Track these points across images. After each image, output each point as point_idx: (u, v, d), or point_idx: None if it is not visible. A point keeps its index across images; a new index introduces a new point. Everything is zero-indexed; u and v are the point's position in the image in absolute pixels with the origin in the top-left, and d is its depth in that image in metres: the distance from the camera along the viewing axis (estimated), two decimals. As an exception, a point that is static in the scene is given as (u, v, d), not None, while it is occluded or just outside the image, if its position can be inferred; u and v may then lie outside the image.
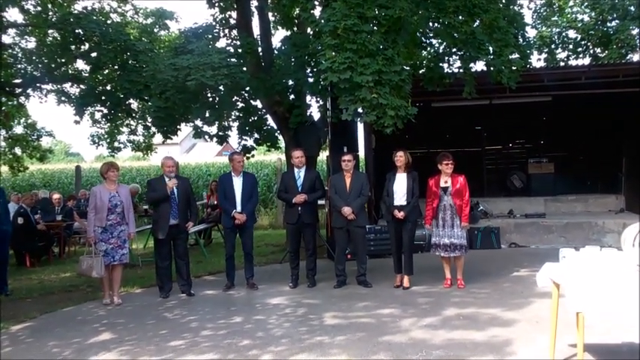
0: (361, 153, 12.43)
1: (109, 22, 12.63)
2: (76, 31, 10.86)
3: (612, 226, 10.48)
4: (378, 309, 6.49)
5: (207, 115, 10.51)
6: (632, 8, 15.72)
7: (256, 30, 11.13)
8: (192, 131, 11.47)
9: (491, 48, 8.61)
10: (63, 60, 12.23)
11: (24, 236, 10.82)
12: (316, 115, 11.13)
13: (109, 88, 12.01)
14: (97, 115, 12.55)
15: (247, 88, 10.28)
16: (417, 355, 4.85)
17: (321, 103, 11.00)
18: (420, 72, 10.48)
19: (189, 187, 8.04)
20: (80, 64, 12.79)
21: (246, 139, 11.28)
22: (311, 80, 10.02)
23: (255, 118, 11.18)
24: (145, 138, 14.28)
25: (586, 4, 17.81)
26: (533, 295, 6.69)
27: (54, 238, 12.17)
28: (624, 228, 4.78)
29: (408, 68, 8.32)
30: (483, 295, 6.94)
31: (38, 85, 12.66)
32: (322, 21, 7.46)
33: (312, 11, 8.31)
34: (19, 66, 12.65)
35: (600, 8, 16.81)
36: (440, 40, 10.03)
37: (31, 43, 13.04)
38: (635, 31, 15.68)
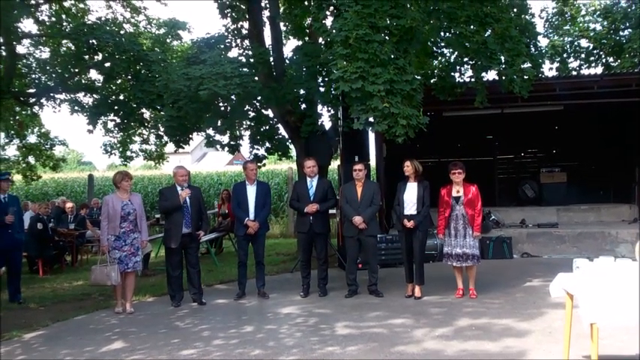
0: (372, 162, 12.42)
1: (122, 32, 12.76)
2: (90, 41, 10.97)
3: (626, 236, 10.37)
4: (390, 319, 6.46)
5: (219, 124, 10.55)
6: (645, 17, 15.66)
7: (268, 40, 11.18)
8: (204, 140, 11.53)
9: (502, 57, 8.59)
10: (76, 70, 12.37)
11: (39, 244, 10.90)
12: (327, 125, 11.14)
13: (122, 97, 12.10)
14: (110, 125, 12.64)
15: (259, 98, 10.32)
16: (430, 366, 4.82)
17: (332, 112, 11.00)
18: (432, 81, 10.47)
19: (200, 196, 8.08)
20: (93, 74, 12.96)
21: (257, 148, 11.31)
22: (322, 89, 10.06)
23: (267, 128, 11.21)
24: (157, 147, 14.36)
25: (598, 13, 17.76)
26: (547, 305, 6.65)
27: (67, 246, 12.24)
28: (638, 238, 4.74)
29: (419, 78, 8.32)
30: (496, 306, 6.90)
31: (52, 94, 12.79)
32: (334, 31, 7.47)
33: (323, 21, 8.32)
34: (33, 76, 12.81)
35: (612, 17, 16.76)
36: (451, 50, 10.05)
37: (45, 54, 13.21)
38: (647, 40, 15.61)
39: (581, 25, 18.28)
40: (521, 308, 6.69)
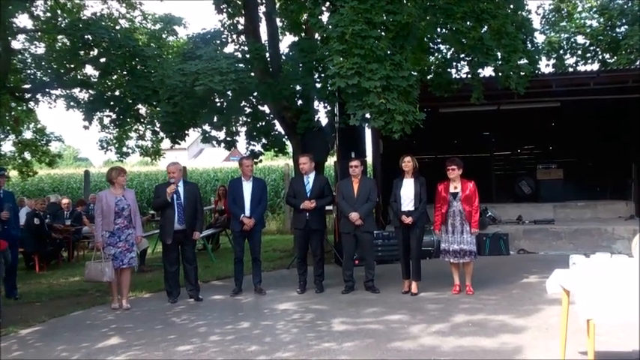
0: (369, 158, 12.41)
1: (117, 27, 12.74)
2: (85, 36, 10.95)
3: (622, 232, 10.40)
4: (387, 315, 6.46)
5: (215, 120, 10.54)
6: (642, 13, 15.65)
7: (264, 36, 11.17)
8: (200, 136, 11.51)
9: (499, 53, 8.58)
10: (72, 65, 12.34)
11: (36, 239, 10.87)
12: (324, 121, 11.15)
13: (117, 93, 12.09)
14: (106, 121, 12.65)
15: (255, 94, 10.31)
16: (426, 362, 4.82)
17: (328, 108, 11.01)
18: (428, 77, 10.47)
19: (197, 192, 8.03)
20: (89, 70, 12.93)
21: (253, 145, 11.30)
22: (319, 85, 10.04)
23: (263, 124, 11.20)
24: (153, 143, 14.35)
25: (595, 9, 17.76)
26: (543, 301, 6.65)
27: (63, 242, 12.21)
28: (634, 234, 4.75)
29: (415, 74, 8.29)
30: (492, 302, 6.90)
31: (47, 90, 12.75)
32: (330, 26, 7.46)
33: (319, 17, 8.31)
34: (29, 71, 12.78)
35: (609, 14, 16.76)
36: (448, 46, 10.02)
37: (40, 49, 13.18)
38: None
39: (577, 21, 18.28)
40: (518, 304, 6.69)
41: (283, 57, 11.09)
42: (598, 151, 13.22)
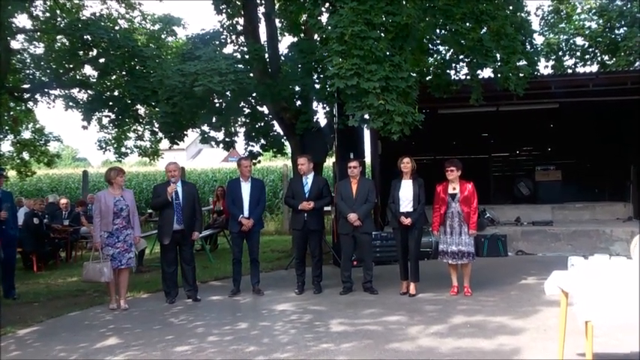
0: (368, 159, 12.41)
1: (117, 28, 12.72)
2: (84, 37, 10.94)
3: (620, 234, 10.41)
4: (385, 316, 6.46)
5: (214, 120, 10.53)
6: (641, 15, 15.69)
7: (263, 36, 11.16)
8: (199, 137, 11.50)
9: (498, 55, 8.59)
10: (71, 65, 12.33)
11: (35, 239, 10.86)
12: (323, 122, 11.14)
13: (116, 93, 12.07)
14: (105, 121, 12.62)
15: (254, 94, 10.31)
16: (424, 363, 4.82)
17: (327, 109, 11.00)
18: (427, 78, 10.46)
19: (195, 192, 8.02)
20: (88, 70, 12.91)
21: (252, 145, 11.30)
22: (318, 86, 10.04)
23: (262, 124, 11.20)
24: (152, 143, 14.32)
25: (594, 11, 17.79)
26: (541, 303, 6.65)
27: (61, 242, 12.19)
28: (633, 236, 4.75)
29: (414, 75, 8.30)
30: (490, 303, 6.90)
31: (46, 90, 12.73)
32: (329, 27, 7.46)
33: (319, 17, 8.31)
34: (28, 71, 12.76)
35: (608, 15, 16.79)
36: (447, 47, 10.03)
37: (39, 49, 13.16)
38: (642, 38, 15.64)
39: (576, 23, 18.31)
40: (516, 306, 6.69)
41: (282, 58, 11.09)
42: (596, 153, 13.22)
